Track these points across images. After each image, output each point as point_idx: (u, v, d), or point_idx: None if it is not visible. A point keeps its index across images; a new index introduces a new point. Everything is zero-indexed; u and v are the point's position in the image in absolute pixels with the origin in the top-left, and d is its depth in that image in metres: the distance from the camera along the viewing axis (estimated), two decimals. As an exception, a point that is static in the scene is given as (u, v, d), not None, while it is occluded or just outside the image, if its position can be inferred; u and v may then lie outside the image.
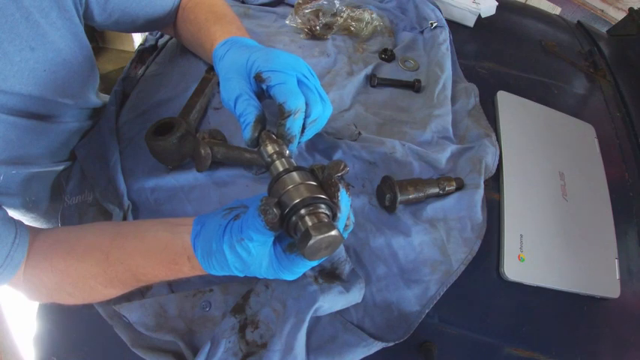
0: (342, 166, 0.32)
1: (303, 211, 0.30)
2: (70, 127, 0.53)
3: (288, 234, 0.32)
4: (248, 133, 0.38)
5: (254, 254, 0.32)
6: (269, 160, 0.35)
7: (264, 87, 0.39)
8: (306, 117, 0.39)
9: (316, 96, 0.39)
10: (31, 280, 0.40)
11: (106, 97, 0.62)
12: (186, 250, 0.36)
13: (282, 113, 0.37)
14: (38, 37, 0.40)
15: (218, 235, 0.33)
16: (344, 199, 0.32)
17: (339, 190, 0.31)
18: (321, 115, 0.40)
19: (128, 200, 0.48)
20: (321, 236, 0.29)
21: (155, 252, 0.38)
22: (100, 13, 0.48)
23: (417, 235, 0.48)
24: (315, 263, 0.34)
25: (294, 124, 0.37)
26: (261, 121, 0.38)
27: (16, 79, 0.40)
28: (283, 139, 0.37)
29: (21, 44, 0.38)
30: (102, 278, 0.39)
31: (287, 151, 0.36)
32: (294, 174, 0.32)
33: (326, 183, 0.32)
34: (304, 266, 0.34)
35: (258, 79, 0.38)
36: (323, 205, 0.31)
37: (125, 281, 0.40)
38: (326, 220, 0.30)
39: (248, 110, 0.38)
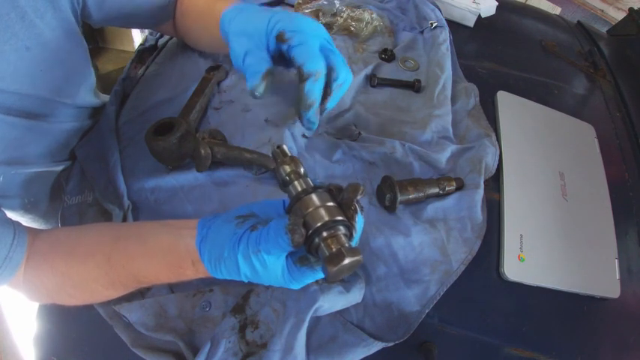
0: (360, 190, 0.33)
1: (325, 234, 0.31)
2: (69, 127, 0.53)
3: (308, 252, 0.33)
4: (255, 80, 0.36)
5: (269, 266, 0.33)
6: (287, 178, 0.35)
7: (284, 48, 0.37)
8: (333, 81, 0.37)
9: (341, 59, 0.38)
10: (32, 281, 0.40)
11: (106, 97, 0.62)
12: (190, 253, 0.36)
13: (301, 76, 0.36)
14: (34, 37, 0.40)
15: (232, 243, 0.33)
16: (360, 221, 0.33)
17: (357, 213, 0.33)
18: (346, 79, 0.39)
19: (128, 200, 0.48)
20: (353, 259, 0.30)
21: (158, 256, 0.37)
22: (96, 10, 0.48)
23: (417, 235, 0.48)
24: (321, 275, 0.35)
25: (314, 87, 0.36)
26: (271, 74, 0.36)
27: (13, 78, 0.40)
28: (303, 103, 0.36)
29: (16, 44, 0.38)
30: (103, 280, 0.39)
31: (302, 169, 0.36)
32: (315, 195, 0.33)
33: (345, 204, 0.33)
34: (312, 278, 0.35)
35: (280, 38, 0.37)
36: (342, 228, 0.32)
37: (127, 284, 0.40)
38: (347, 245, 0.31)
39: (260, 63, 0.36)
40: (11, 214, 0.42)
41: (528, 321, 0.47)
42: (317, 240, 0.32)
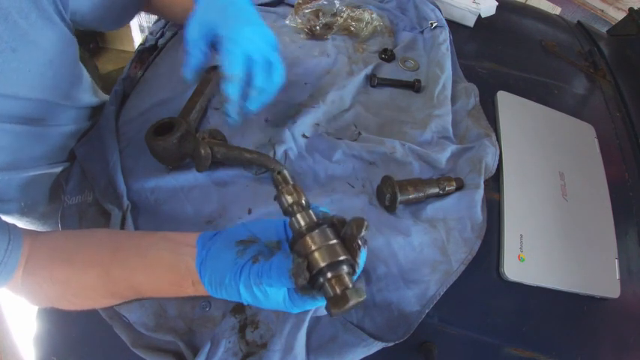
0: (364, 226, 0.33)
1: (329, 275, 0.31)
2: (66, 130, 0.53)
3: (312, 288, 0.33)
4: (188, 74, 0.47)
5: (270, 295, 0.33)
6: (289, 209, 0.35)
7: (217, 48, 0.45)
8: (249, 85, 0.45)
9: (260, 68, 0.45)
10: (31, 287, 0.39)
11: (106, 97, 0.61)
12: (190, 273, 0.35)
13: (220, 75, 0.44)
14: (19, 38, 0.39)
15: (233, 272, 0.33)
16: (363, 258, 0.34)
17: (360, 249, 0.33)
18: (267, 86, 0.46)
19: (128, 200, 0.48)
20: (357, 301, 0.30)
21: (158, 273, 0.37)
22: (89, 11, 0.48)
23: (416, 235, 0.48)
24: (322, 303, 0.35)
25: (228, 88, 0.44)
26: (203, 70, 0.48)
27: (0, 80, 0.39)
28: (221, 98, 0.45)
29: (0, 45, 0.38)
30: (103, 290, 0.39)
31: (304, 199, 0.35)
32: (318, 232, 0.33)
33: (348, 240, 0.33)
34: (313, 305, 0.35)
35: (215, 43, 0.45)
36: (345, 267, 0.32)
37: (126, 295, 0.40)
38: (351, 286, 0.31)
39: (196, 58, 0.46)
40: (7, 218, 0.42)
41: (528, 321, 0.47)
42: (321, 280, 0.32)
